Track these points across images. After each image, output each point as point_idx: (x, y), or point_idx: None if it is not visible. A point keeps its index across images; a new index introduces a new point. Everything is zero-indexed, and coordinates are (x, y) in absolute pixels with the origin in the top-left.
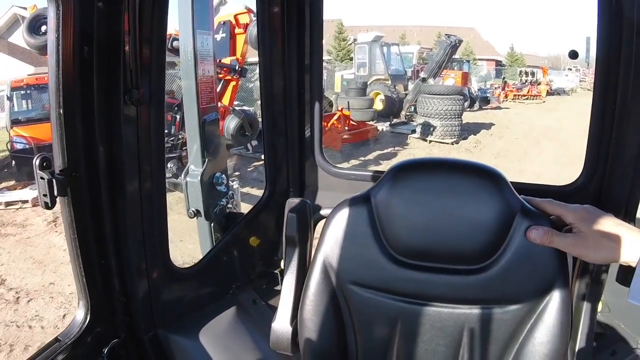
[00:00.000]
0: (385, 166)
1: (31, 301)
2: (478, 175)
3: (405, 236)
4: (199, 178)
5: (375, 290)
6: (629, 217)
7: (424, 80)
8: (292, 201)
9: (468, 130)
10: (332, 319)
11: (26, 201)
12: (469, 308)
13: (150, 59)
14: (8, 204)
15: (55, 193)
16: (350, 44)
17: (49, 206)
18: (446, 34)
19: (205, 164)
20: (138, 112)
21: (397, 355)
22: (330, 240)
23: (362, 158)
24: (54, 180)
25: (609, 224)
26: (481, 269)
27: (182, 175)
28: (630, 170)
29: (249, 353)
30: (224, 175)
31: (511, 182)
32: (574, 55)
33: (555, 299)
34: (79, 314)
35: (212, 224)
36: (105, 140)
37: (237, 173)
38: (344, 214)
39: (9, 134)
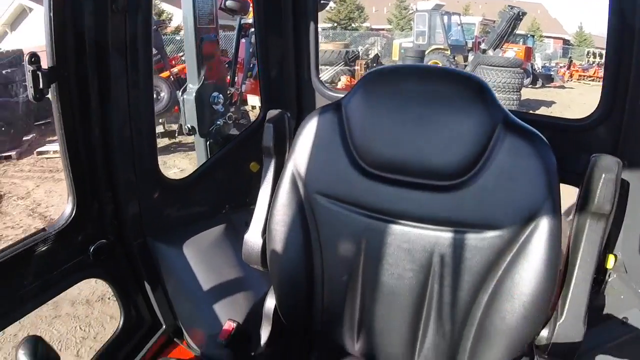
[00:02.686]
0: None
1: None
2: (457, 81)
3: (375, 146)
4: (194, 95)
5: (341, 202)
6: None
7: (484, 51)
8: (272, 112)
9: (527, 106)
10: (300, 234)
11: None
12: (440, 230)
13: None
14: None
15: (41, 86)
16: (412, 13)
17: (36, 98)
18: (509, 5)
19: (201, 82)
20: (125, 20)
21: (363, 278)
22: (300, 148)
23: None
24: (39, 73)
25: None
26: (455, 186)
27: (180, 93)
28: None
29: (231, 270)
30: (221, 95)
31: (521, 112)
32: None
33: (541, 229)
34: (67, 208)
35: (209, 143)
36: (95, 44)
37: None
38: (314, 122)
39: None
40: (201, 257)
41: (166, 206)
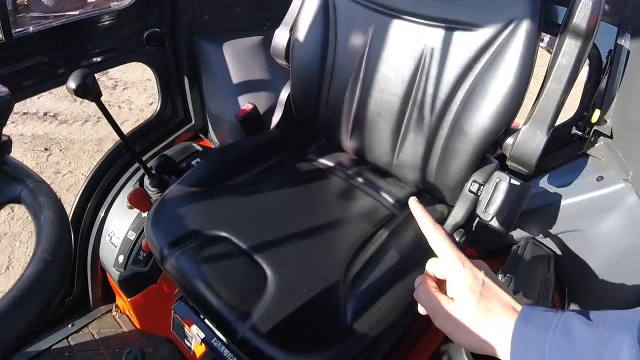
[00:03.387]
0: None
1: (126, 89)
2: None
3: None
4: None
5: None
6: None
7: None
8: None
9: None
10: (319, 29)
11: None
12: (434, 27)
13: None
14: None
15: None
16: None
17: None
18: None
19: None
20: None
21: (364, 73)
22: None
23: None
24: None
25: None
26: None
27: None
28: None
29: (261, 72)
30: None
31: None
32: None
33: (519, 33)
34: None
35: None
36: None
37: None
38: None
39: None
40: (236, 60)
41: (216, 11)
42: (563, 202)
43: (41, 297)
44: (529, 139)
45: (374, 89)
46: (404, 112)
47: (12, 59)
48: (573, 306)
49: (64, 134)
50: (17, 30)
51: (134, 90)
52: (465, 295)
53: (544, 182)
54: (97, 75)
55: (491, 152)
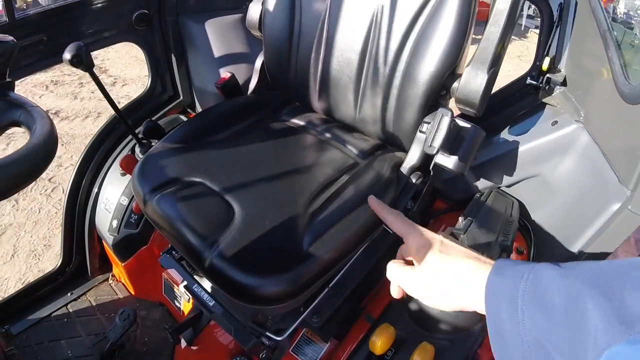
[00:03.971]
0: None
1: (125, 85)
2: None
3: None
4: None
5: None
6: None
7: None
8: None
9: None
10: (287, 1)
11: None
12: None
13: None
14: None
15: None
16: None
17: None
18: None
19: None
20: None
21: (327, 30)
22: None
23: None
24: None
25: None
26: None
27: None
28: None
29: (241, 46)
30: None
31: None
32: None
33: None
34: None
35: None
36: None
37: None
38: None
39: None
40: (218, 36)
41: None
42: (521, 148)
43: (30, 164)
44: (471, 79)
45: (335, 48)
46: (362, 67)
47: (15, 39)
48: (538, 251)
49: (65, 129)
50: (19, 13)
51: (132, 87)
52: (427, 255)
53: (504, 134)
54: (97, 74)
55: (443, 99)
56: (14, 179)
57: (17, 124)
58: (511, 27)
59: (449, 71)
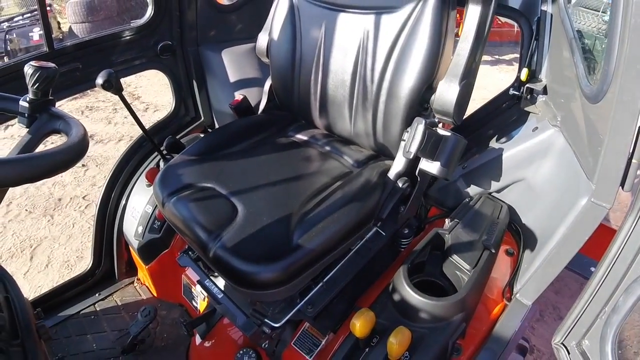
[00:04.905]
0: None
1: (157, 112)
2: None
3: None
4: None
5: (314, 1)
6: None
7: None
8: None
9: None
10: (289, 30)
11: None
12: (368, 14)
13: None
14: None
15: None
16: None
17: None
18: None
19: None
20: None
21: (323, 55)
22: None
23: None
24: None
25: None
26: None
27: None
28: None
29: (254, 72)
30: None
31: None
32: None
33: (427, 8)
34: (147, 12)
35: None
36: None
37: None
38: None
39: None
40: (234, 64)
41: (217, 24)
42: (506, 155)
43: (68, 156)
44: (445, 91)
45: (330, 71)
46: (354, 86)
47: None
48: (527, 253)
49: (99, 152)
50: (57, 43)
51: (163, 112)
52: None
53: (492, 142)
54: (130, 100)
55: (425, 111)
56: (57, 164)
57: (58, 131)
58: (480, 43)
59: (426, 85)
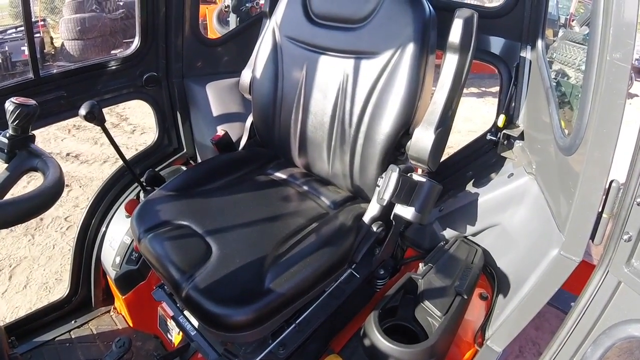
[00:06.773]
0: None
1: (143, 134)
2: None
3: (319, 2)
4: None
5: (296, 41)
6: None
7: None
8: None
9: None
10: (271, 69)
11: None
12: (348, 58)
13: None
14: None
15: None
16: None
17: None
18: None
19: None
20: None
21: (303, 95)
22: (279, 7)
23: (484, 89)
24: None
25: None
26: (358, 27)
27: None
28: None
29: (236, 106)
30: None
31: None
32: None
33: (406, 55)
34: (133, 44)
35: (238, 19)
36: None
37: None
38: None
39: None
40: (217, 98)
41: (201, 57)
42: (482, 199)
43: (42, 201)
44: (420, 138)
45: (310, 111)
46: (333, 128)
47: (39, 93)
48: (500, 297)
49: (84, 172)
50: (44, 71)
51: (150, 135)
52: None
53: (469, 186)
54: (117, 121)
55: (402, 156)
56: (30, 210)
57: (35, 169)
58: (456, 92)
59: (403, 131)
